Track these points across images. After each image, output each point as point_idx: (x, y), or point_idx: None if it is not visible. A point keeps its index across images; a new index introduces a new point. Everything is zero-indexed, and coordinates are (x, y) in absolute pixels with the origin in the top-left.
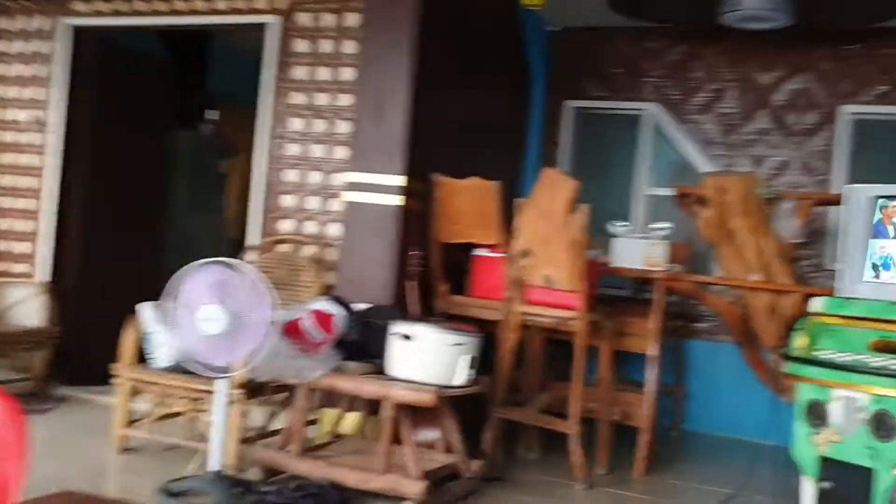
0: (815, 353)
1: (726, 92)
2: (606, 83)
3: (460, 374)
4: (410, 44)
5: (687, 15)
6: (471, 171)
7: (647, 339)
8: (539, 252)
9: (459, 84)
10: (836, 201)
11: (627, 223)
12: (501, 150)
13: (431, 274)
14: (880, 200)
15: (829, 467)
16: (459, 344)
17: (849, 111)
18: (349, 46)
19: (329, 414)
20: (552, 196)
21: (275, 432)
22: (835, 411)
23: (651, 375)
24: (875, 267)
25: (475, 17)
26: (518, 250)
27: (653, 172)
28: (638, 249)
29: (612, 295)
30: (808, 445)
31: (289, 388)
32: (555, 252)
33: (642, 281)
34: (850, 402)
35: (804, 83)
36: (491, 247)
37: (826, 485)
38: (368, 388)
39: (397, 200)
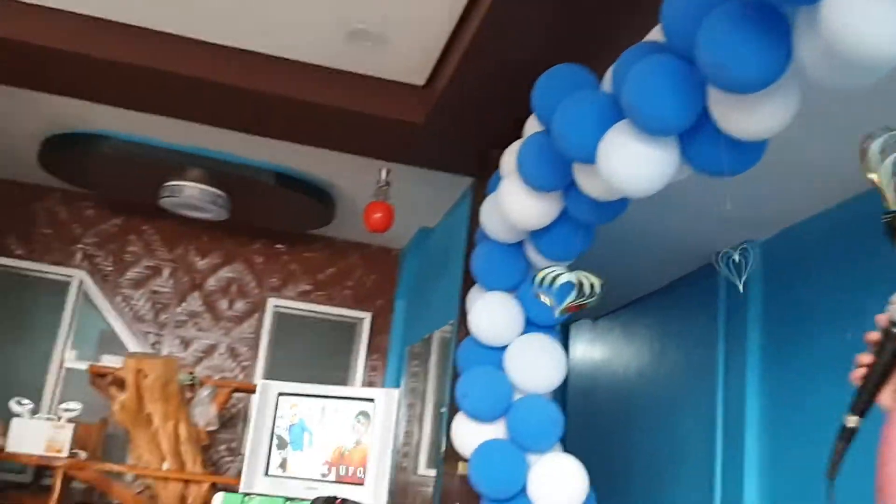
0: None
1: (161, 270)
2: (31, 243)
3: None
4: None
5: (127, 190)
6: None
7: None
8: None
9: None
10: (252, 390)
11: (29, 402)
12: None
13: None
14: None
15: None
16: None
17: (274, 304)
18: None
19: None
20: None
21: None
22: None
23: None
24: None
25: None
26: None
27: (77, 345)
28: (40, 432)
29: (9, 481)
30: None
31: None
32: None
33: (44, 465)
34: None
35: (237, 272)
36: None
37: None
38: None
39: None
